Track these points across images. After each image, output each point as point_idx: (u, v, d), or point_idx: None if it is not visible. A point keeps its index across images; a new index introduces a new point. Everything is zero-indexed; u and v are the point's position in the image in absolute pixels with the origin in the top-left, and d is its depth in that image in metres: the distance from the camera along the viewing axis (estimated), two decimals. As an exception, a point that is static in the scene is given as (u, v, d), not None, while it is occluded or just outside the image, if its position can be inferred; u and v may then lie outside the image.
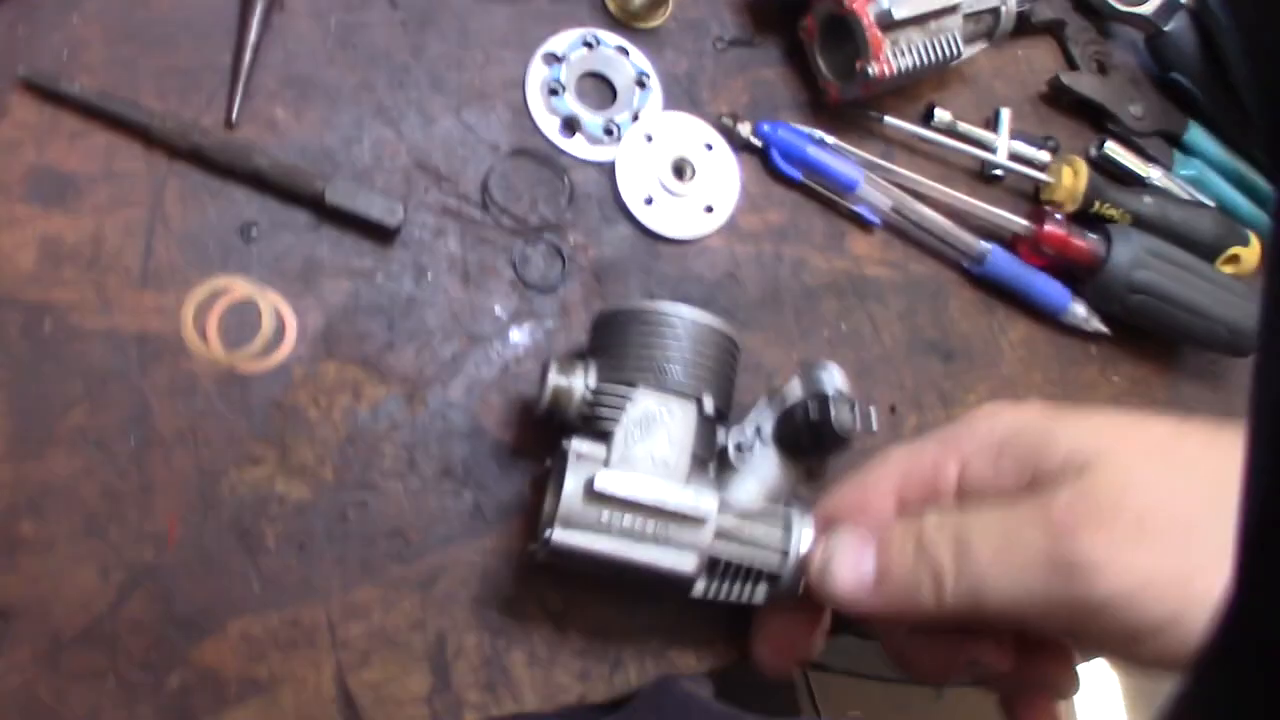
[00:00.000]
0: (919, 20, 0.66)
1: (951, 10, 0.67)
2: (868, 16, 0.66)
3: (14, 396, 0.56)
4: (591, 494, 0.53)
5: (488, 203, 0.65)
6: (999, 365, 0.73)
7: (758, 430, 0.59)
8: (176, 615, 0.57)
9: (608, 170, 0.68)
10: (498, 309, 0.64)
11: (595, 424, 0.56)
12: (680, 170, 0.69)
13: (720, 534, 0.55)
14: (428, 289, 0.63)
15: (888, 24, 0.65)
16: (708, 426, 0.57)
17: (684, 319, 0.56)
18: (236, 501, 0.58)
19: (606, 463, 0.54)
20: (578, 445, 0.55)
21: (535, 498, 0.61)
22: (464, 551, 0.61)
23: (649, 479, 0.54)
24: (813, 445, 0.56)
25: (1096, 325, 0.75)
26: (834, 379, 0.60)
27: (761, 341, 0.69)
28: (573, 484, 0.54)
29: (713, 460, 0.58)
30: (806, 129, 0.70)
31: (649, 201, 0.67)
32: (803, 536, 0.57)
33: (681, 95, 0.71)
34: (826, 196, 0.71)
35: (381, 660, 0.59)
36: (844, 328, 0.70)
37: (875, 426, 0.56)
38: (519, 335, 0.64)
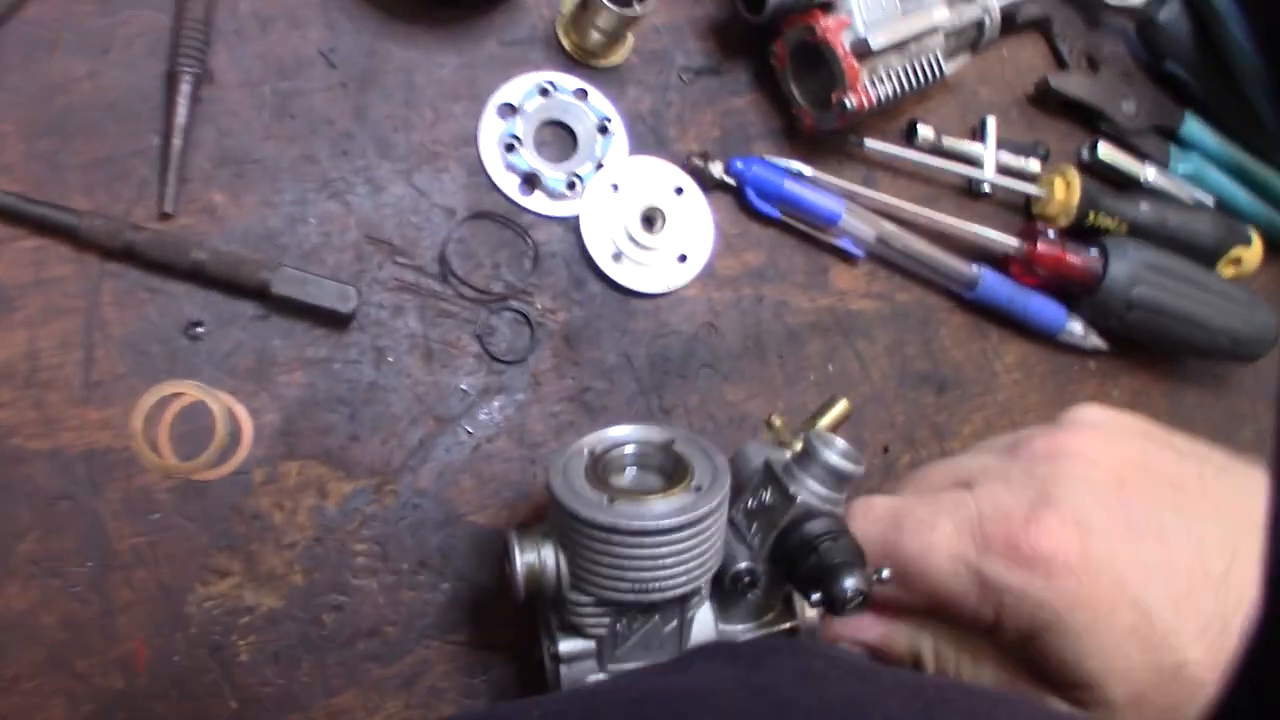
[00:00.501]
0: (898, 46, 0.61)
1: (932, 32, 0.62)
2: (842, 46, 0.61)
3: (-43, 537, 0.53)
4: None
5: (447, 274, 0.61)
6: (994, 392, 0.70)
7: (754, 548, 0.52)
8: (153, 741, 0.55)
9: (573, 226, 0.64)
10: (465, 386, 0.61)
11: (575, 619, 0.50)
12: (650, 220, 0.65)
13: None
14: (389, 373, 0.60)
15: (864, 53, 0.61)
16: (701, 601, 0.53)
17: (656, 531, 0.47)
18: (205, 617, 0.56)
19: (598, 659, 0.52)
20: (565, 647, 0.51)
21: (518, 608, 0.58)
22: (446, 645, 0.59)
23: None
24: (804, 588, 0.51)
25: (1095, 342, 0.72)
26: (836, 479, 0.52)
27: (744, 393, 0.65)
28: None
29: (707, 594, 0.53)
30: (782, 161, 0.66)
31: (618, 257, 0.63)
32: (806, 608, 0.55)
33: (647, 136, 0.66)
34: (807, 232, 0.67)
35: (371, 765, 0.57)
36: (831, 369, 0.67)
37: (887, 576, 0.52)
38: (489, 412, 0.61)
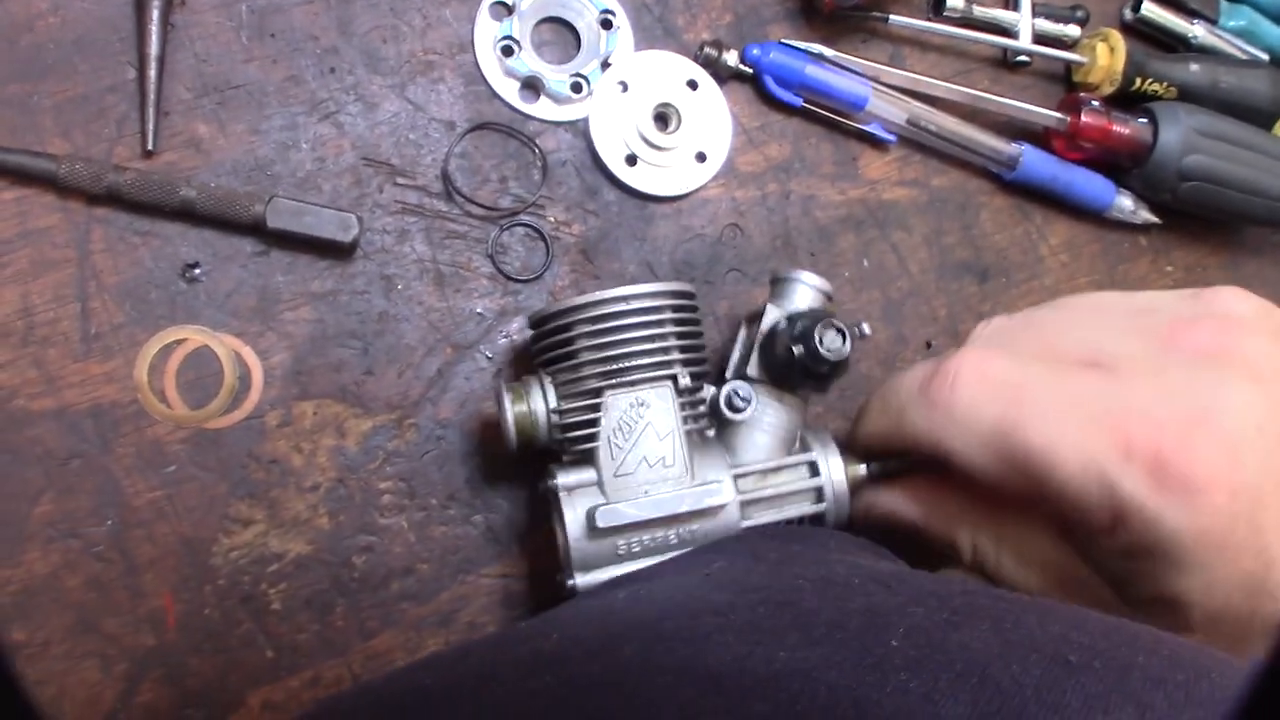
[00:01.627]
0: (917, -94, 0.56)
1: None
2: (857, -89, 0.56)
3: (-31, 506, 0.52)
4: (598, 531, 0.48)
5: (451, 191, 0.58)
6: (1040, 276, 0.66)
7: (746, 375, 0.53)
8: (192, 696, 0.53)
9: (582, 131, 0.60)
10: (481, 309, 0.58)
11: (571, 446, 0.51)
12: (663, 118, 0.61)
13: (747, 504, 0.51)
14: (399, 301, 0.57)
15: (881, -83, 0.56)
16: (692, 396, 0.51)
17: (624, 300, 0.50)
18: (231, 568, 0.54)
19: (599, 485, 0.49)
20: (563, 479, 0.49)
21: (543, 518, 0.56)
22: (483, 578, 0.57)
23: (651, 497, 0.49)
24: (807, 377, 0.51)
25: (1146, 216, 0.67)
26: (808, 290, 0.55)
27: (776, 296, 0.62)
28: (575, 526, 0.49)
29: (710, 425, 0.53)
30: (801, 45, 0.61)
31: (632, 160, 0.59)
32: (832, 467, 0.53)
33: (655, 28, 0.61)
34: (832, 119, 0.63)
35: (415, 703, 0.56)
36: (866, 264, 0.63)
37: (868, 331, 0.50)
38: (508, 335, 0.58)
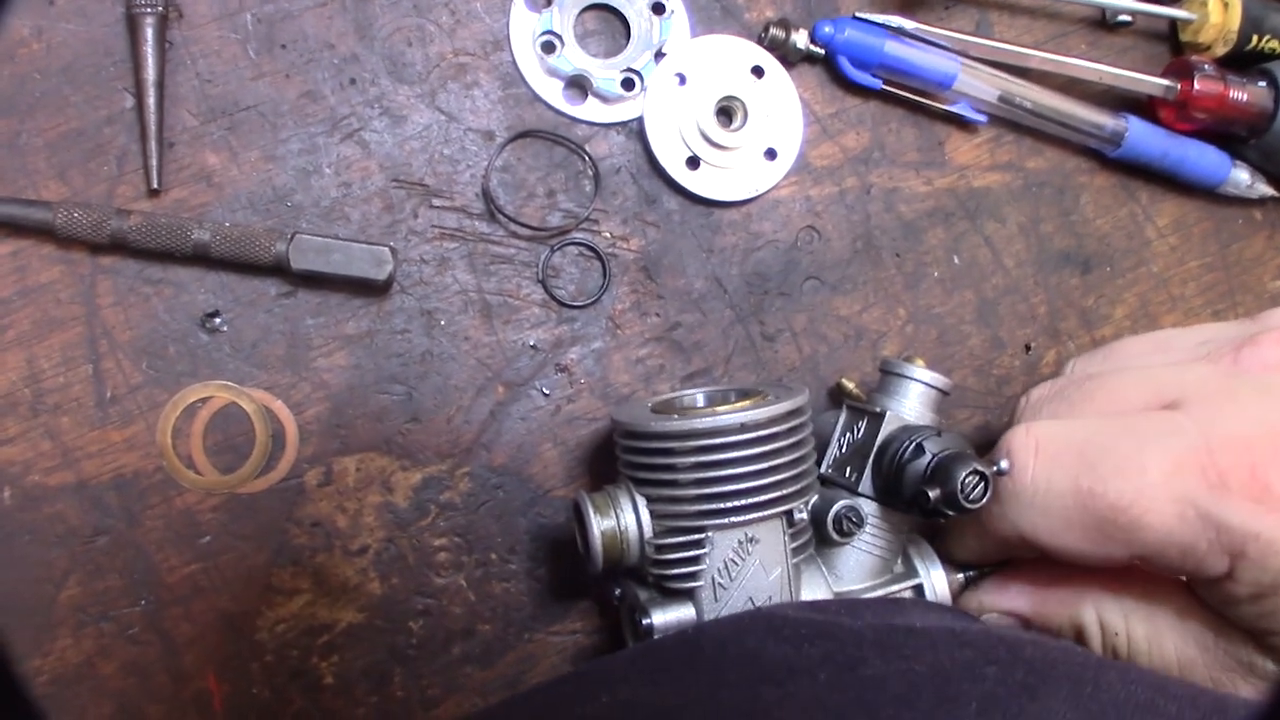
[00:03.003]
0: None
1: None
2: None
3: (-8, 591, 0.47)
4: None
5: (494, 211, 0.51)
6: (1148, 262, 0.59)
7: (854, 487, 0.48)
8: (246, 782, 0.49)
9: (636, 133, 0.53)
10: (533, 341, 0.52)
11: (667, 582, 0.45)
12: (727, 113, 0.54)
13: None
14: (444, 338, 0.51)
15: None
16: (800, 525, 0.46)
17: (735, 427, 0.43)
18: (279, 642, 0.50)
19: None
20: (660, 619, 0.44)
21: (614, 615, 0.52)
22: (551, 636, 0.52)
23: None
24: (931, 515, 0.45)
25: (1263, 189, 0.60)
26: (926, 389, 0.49)
27: (859, 304, 0.55)
28: None
29: (812, 541, 0.47)
30: (879, 18, 0.54)
31: (694, 163, 0.53)
32: (936, 585, 0.49)
33: (712, 9, 0.54)
34: (915, 100, 0.56)
35: (486, 773, 0.51)
36: (957, 260, 0.57)
37: (1006, 468, 0.44)
38: (564, 367, 0.52)
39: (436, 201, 0.51)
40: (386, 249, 0.49)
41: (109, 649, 0.48)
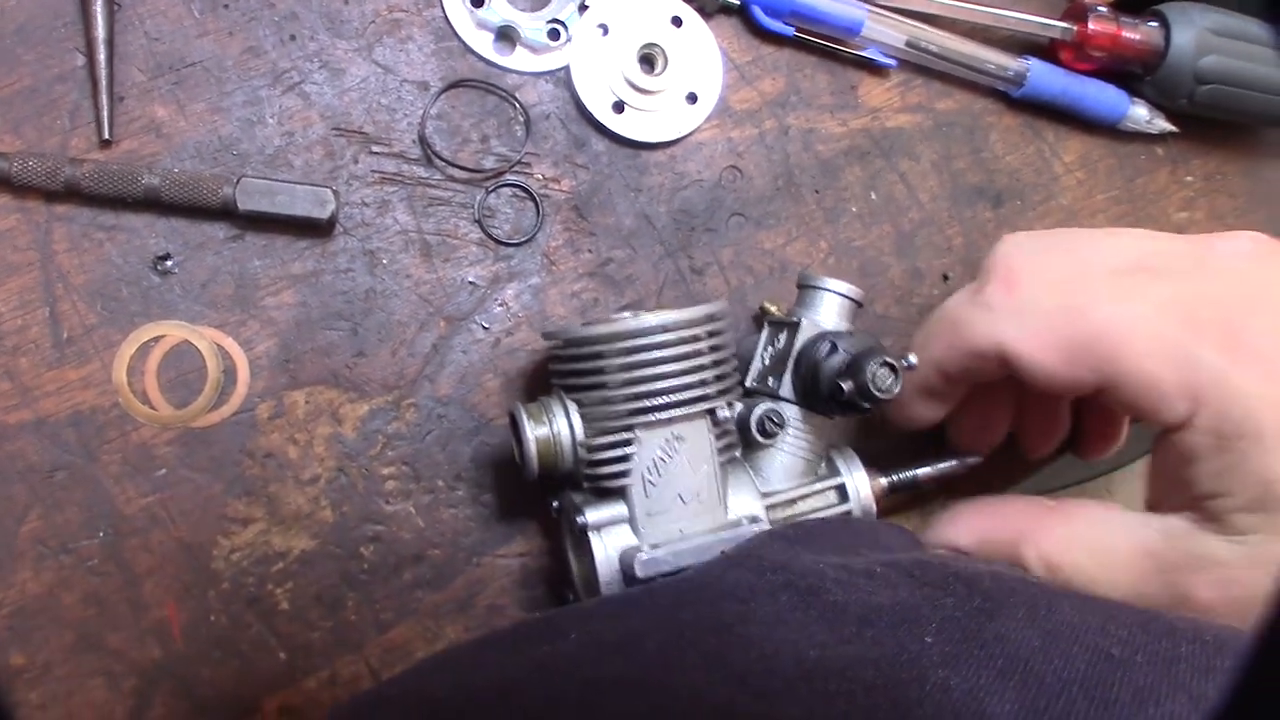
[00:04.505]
0: None
1: None
2: None
3: (-48, 529, 0.49)
4: (634, 578, 0.45)
5: (430, 156, 0.54)
6: (1057, 196, 0.63)
7: (775, 393, 0.50)
8: (206, 707, 0.51)
9: (563, 80, 0.56)
10: (472, 278, 0.55)
11: (599, 481, 0.47)
12: (649, 60, 0.57)
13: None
14: (386, 276, 0.54)
15: None
16: (725, 424, 0.48)
17: (657, 327, 0.46)
18: (235, 570, 0.52)
19: (631, 523, 0.47)
20: (592, 516, 0.46)
21: (552, 524, 0.54)
22: (499, 559, 0.54)
23: (689, 540, 0.46)
24: (849, 409, 0.47)
25: (1162, 125, 0.63)
26: (839, 300, 0.52)
27: (782, 238, 0.58)
28: (607, 568, 0.46)
29: (737, 445, 0.50)
30: (787, -30, 0.58)
31: (619, 107, 0.56)
32: (860, 488, 0.51)
33: (630, -36, 0.58)
34: (827, 47, 0.59)
35: (439, 695, 0.53)
36: (874, 196, 0.60)
37: (914, 361, 0.47)
38: (503, 302, 0.55)
39: (375, 148, 0.54)
40: (328, 190, 0.51)
41: (69, 580, 0.50)
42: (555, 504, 0.50)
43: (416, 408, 0.54)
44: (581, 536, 0.47)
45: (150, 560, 0.51)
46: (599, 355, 0.46)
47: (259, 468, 0.52)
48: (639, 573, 0.44)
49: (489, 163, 0.55)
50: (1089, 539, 0.47)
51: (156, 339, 0.51)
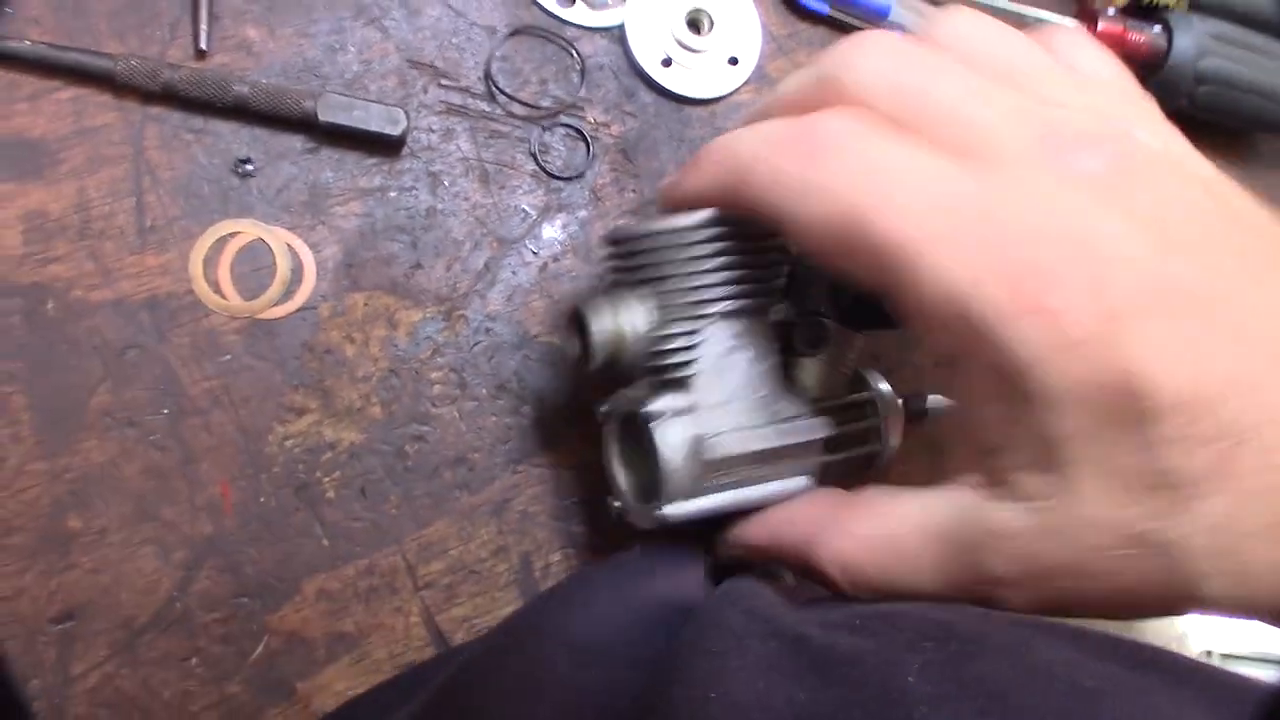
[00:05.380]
0: None
1: None
2: None
3: (32, 389, 0.52)
4: (701, 463, 0.47)
5: (494, 92, 0.59)
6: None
7: (816, 310, 0.52)
8: (248, 584, 0.53)
9: (618, 36, 0.62)
10: (525, 206, 0.59)
11: (664, 373, 0.48)
12: (696, 24, 0.62)
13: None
14: (446, 197, 0.58)
15: None
16: (780, 329, 0.50)
17: (730, 218, 0.47)
18: (287, 456, 0.55)
19: (693, 414, 0.47)
20: (657, 405, 0.47)
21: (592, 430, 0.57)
22: (533, 468, 0.58)
23: (755, 430, 0.48)
24: (885, 326, 0.50)
25: (1164, 120, 0.69)
26: None
27: (810, 196, 0.63)
28: (673, 454, 0.47)
29: (781, 353, 0.52)
30: (825, -46, 0.64)
31: (667, 63, 0.61)
32: (887, 398, 0.54)
33: (683, -60, 0.64)
34: (858, 27, 0.65)
35: (469, 593, 0.56)
36: (896, 167, 0.65)
37: None
38: (552, 230, 0.59)
39: (444, 81, 0.59)
40: (400, 110, 0.56)
41: (131, 452, 0.53)
42: (603, 408, 0.53)
43: (466, 320, 0.58)
44: (643, 429, 0.48)
45: (209, 440, 0.54)
46: (669, 249, 0.47)
47: (317, 362, 0.55)
48: (706, 455, 0.46)
49: (546, 103, 0.60)
50: (881, 533, 0.43)
51: (232, 235, 0.55)
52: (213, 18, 0.56)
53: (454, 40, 0.59)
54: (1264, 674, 1.59)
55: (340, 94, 0.56)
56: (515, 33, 0.60)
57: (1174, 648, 1.73)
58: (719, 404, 0.48)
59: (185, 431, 0.54)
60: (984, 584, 0.40)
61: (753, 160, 0.42)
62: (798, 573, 0.47)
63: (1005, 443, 0.39)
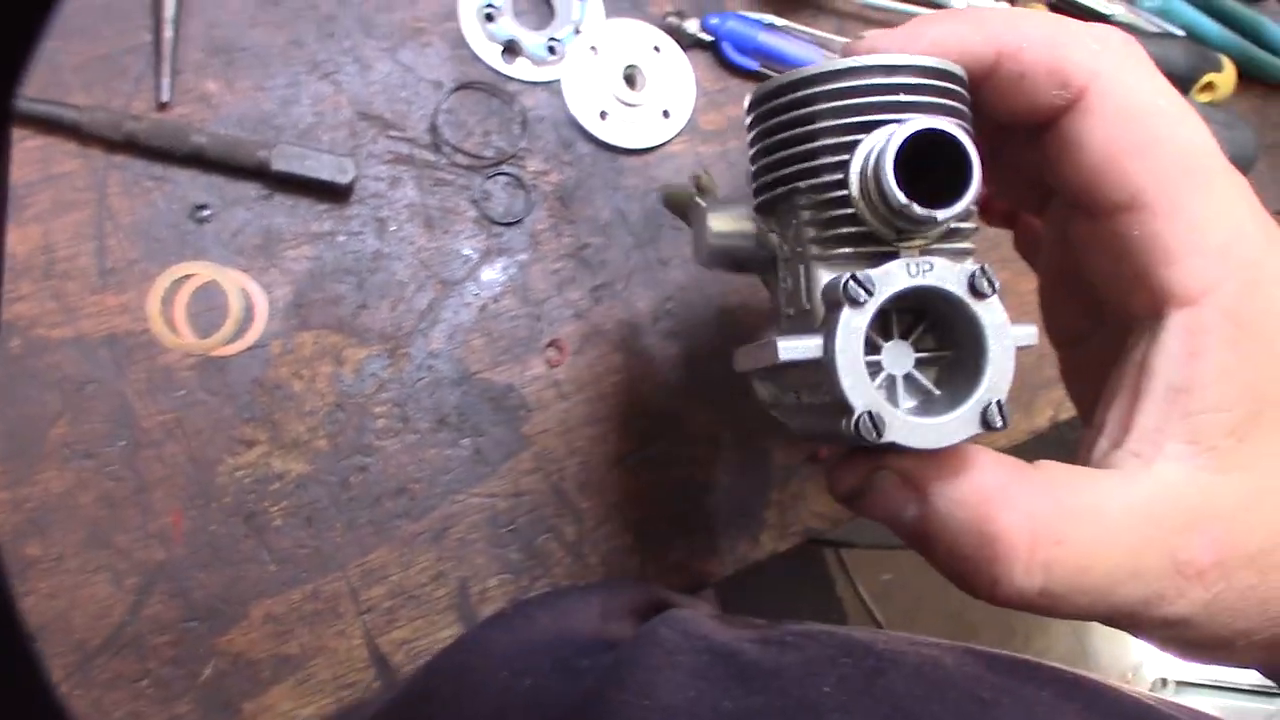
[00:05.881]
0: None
1: None
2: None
3: (-7, 420, 0.55)
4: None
5: (439, 143, 0.63)
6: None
7: None
8: (197, 608, 0.56)
9: (557, 90, 0.65)
10: (467, 250, 0.63)
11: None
12: (631, 79, 0.66)
13: None
14: (392, 241, 0.62)
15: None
16: None
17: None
18: (236, 487, 0.58)
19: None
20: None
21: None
22: (471, 498, 0.61)
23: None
24: None
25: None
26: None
27: (740, 242, 0.67)
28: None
29: None
30: (755, 15, 0.68)
31: (604, 116, 0.65)
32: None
33: (623, 1, 0.68)
34: (785, 83, 0.69)
35: (408, 617, 0.59)
36: (822, 214, 0.69)
37: None
38: (492, 273, 0.63)
39: (392, 133, 0.63)
40: (350, 160, 0.60)
41: (88, 482, 0.56)
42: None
43: (409, 357, 0.61)
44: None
45: (162, 470, 0.57)
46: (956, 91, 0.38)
47: (267, 397, 0.59)
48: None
49: (489, 153, 0.64)
50: (1085, 503, 0.36)
51: (188, 276, 0.58)
52: (175, 72, 0.59)
53: (402, 94, 0.63)
54: (1216, 701, 1.62)
55: (293, 144, 0.59)
56: (460, 87, 0.64)
57: (1129, 677, 1.76)
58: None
59: (140, 462, 0.57)
60: (1178, 575, 0.35)
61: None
62: (946, 541, 0.37)
63: (1220, 400, 0.35)
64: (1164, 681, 1.67)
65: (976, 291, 0.35)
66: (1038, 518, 0.34)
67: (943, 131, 0.34)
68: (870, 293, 0.34)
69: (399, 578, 0.59)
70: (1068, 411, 0.76)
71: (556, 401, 0.63)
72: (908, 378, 0.37)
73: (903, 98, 0.37)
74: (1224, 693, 1.68)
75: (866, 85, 0.37)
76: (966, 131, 0.36)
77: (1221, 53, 0.78)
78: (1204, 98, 0.77)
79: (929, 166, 0.34)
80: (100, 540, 0.56)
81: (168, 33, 0.59)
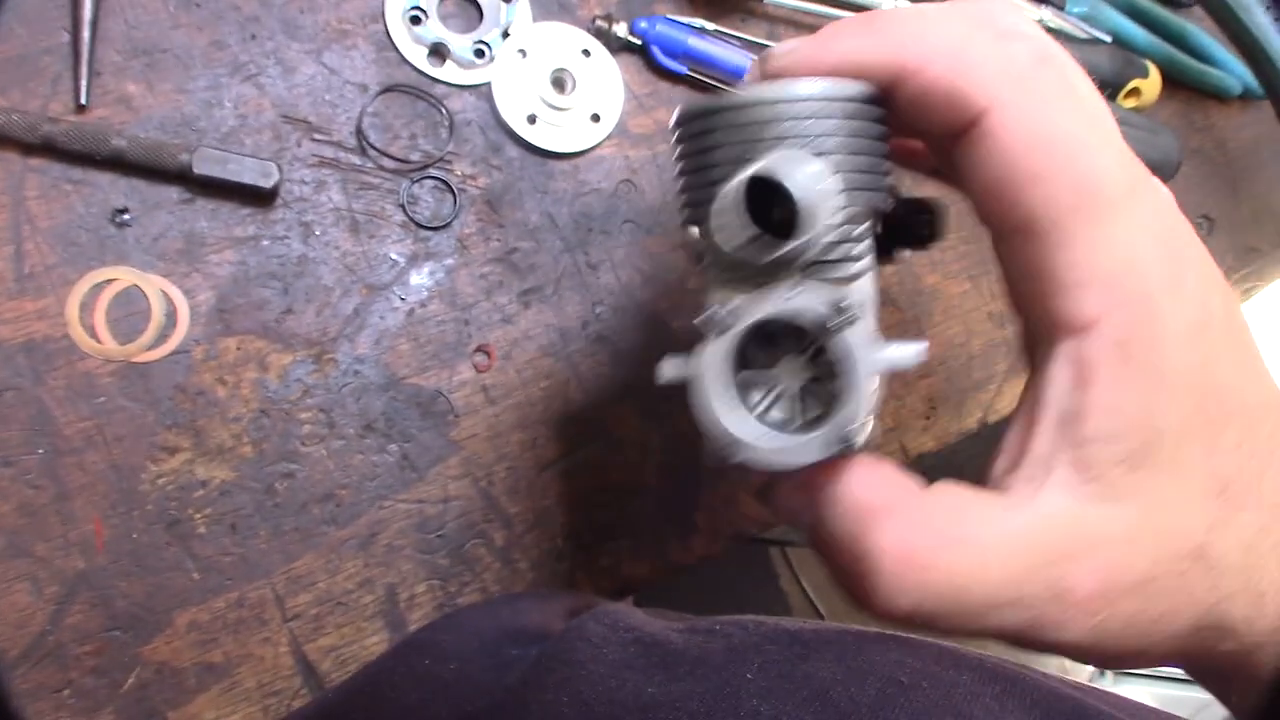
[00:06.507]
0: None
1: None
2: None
3: (-97, 429, 0.54)
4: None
5: (365, 147, 0.63)
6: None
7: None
8: (120, 617, 0.56)
9: (485, 94, 0.65)
10: (393, 254, 0.63)
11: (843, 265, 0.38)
12: (560, 83, 0.66)
13: None
14: (317, 246, 0.61)
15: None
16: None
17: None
18: (159, 494, 0.57)
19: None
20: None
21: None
22: (399, 504, 0.61)
23: None
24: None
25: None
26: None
27: (668, 245, 0.67)
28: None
29: None
30: (685, 19, 0.68)
31: (532, 120, 0.65)
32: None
33: (551, 3, 0.68)
34: (716, 86, 0.69)
35: (335, 624, 0.59)
36: (752, 218, 0.69)
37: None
38: (420, 277, 0.63)
39: (317, 136, 0.62)
40: (274, 164, 0.59)
41: (6, 491, 0.55)
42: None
43: (335, 363, 0.61)
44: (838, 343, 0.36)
45: (82, 478, 0.56)
46: (862, 120, 0.38)
47: (190, 403, 0.58)
48: None
49: (415, 157, 0.63)
50: (961, 532, 0.36)
51: (108, 281, 0.58)
52: (93, 74, 0.59)
53: (327, 97, 0.63)
54: (1154, 690, 1.65)
55: (216, 148, 0.59)
56: (386, 90, 0.63)
57: (1066, 666, 1.79)
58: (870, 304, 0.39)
59: (59, 470, 0.56)
60: (1058, 602, 0.35)
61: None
62: (829, 551, 0.38)
63: (1109, 431, 0.35)
64: (1102, 671, 1.70)
65: (843, 317, 0.36)
66: (909, 542, 0.35)
67: (769, 179, 0.34)
68: (731, 324, 0.37)
69: (326, 584, 0.59)
70: (996, 414, 0.77)
71: (485, 407, 0.63)
72: (804, 393, 0.38)
73: (784, 131, 0.37)
74: (1162, 682, 1.71)
75: (748, 123, 0.37)
76: (840, 159, 0.37)
77: (1147, 59, 0.80)
78: (1130, 103, 0.78)
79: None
80: (20, 549, 0.55)
81: (86, 33, 0.58)
